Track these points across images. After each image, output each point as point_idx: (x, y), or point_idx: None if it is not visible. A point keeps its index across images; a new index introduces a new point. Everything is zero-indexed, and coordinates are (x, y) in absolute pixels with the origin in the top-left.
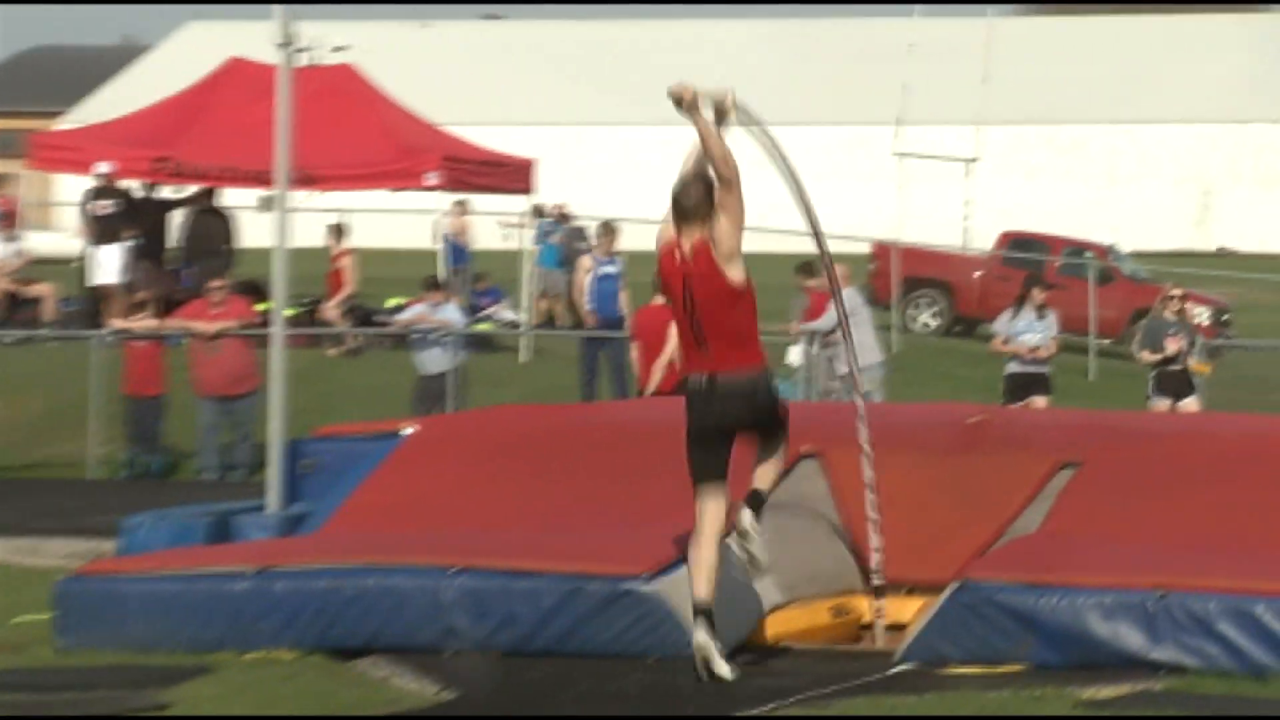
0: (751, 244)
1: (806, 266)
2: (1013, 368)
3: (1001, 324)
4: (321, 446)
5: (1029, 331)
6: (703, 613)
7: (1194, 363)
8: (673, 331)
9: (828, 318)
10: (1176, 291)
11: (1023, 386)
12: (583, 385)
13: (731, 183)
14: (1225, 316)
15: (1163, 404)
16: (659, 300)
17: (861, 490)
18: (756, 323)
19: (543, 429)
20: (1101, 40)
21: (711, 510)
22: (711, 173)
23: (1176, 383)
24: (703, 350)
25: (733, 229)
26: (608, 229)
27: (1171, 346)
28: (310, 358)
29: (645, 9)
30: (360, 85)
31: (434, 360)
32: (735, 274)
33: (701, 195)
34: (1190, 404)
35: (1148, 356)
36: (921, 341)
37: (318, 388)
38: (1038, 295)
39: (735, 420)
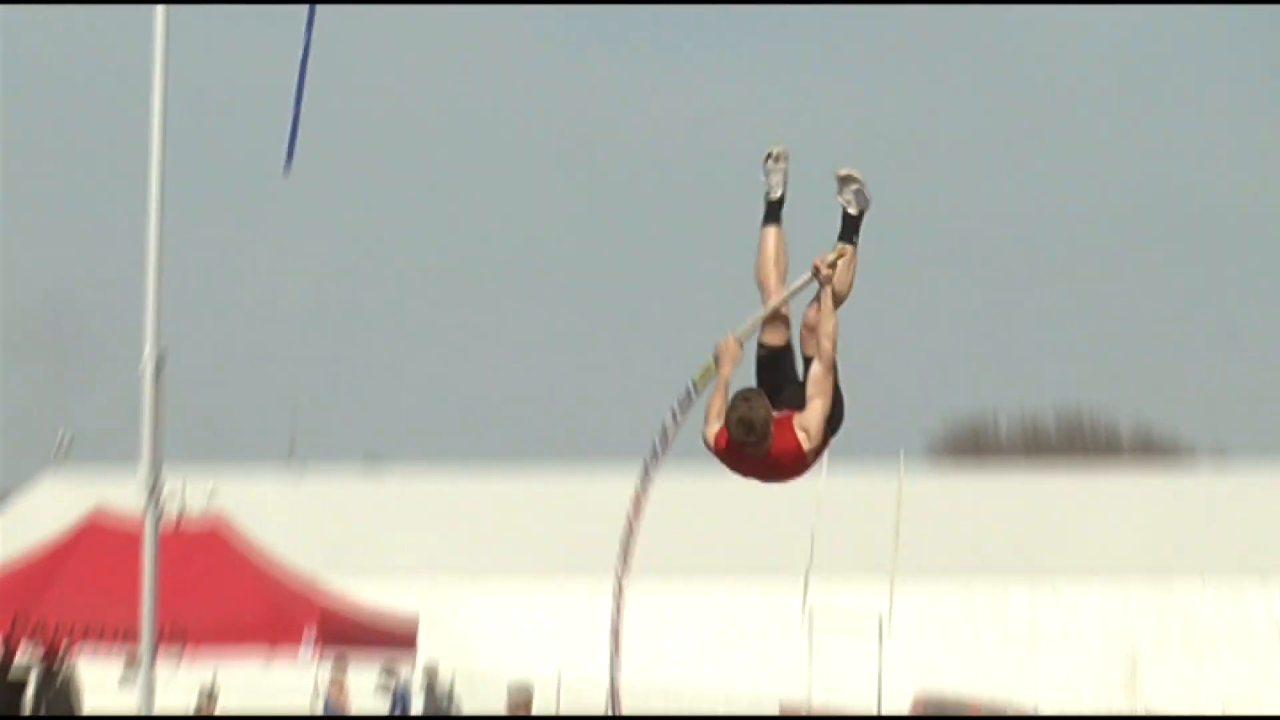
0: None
1: None
2: None
3: None
4: None
5: None
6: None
7: None
8: None
9: None
10: None
11: None
12: None
13: (834, 365)
14: None
15: None
16: None
17: None
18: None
19: None
20: (1019, 497)
21: None
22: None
23: None
24: None
25: (825, 412)
26: (520, 692)
27: None
28: None
29: (535, 457)
30: (231, 542)
31: None
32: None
33: (765, 425)
34: None
35: None
36: None
37: None
38: None
39: None
